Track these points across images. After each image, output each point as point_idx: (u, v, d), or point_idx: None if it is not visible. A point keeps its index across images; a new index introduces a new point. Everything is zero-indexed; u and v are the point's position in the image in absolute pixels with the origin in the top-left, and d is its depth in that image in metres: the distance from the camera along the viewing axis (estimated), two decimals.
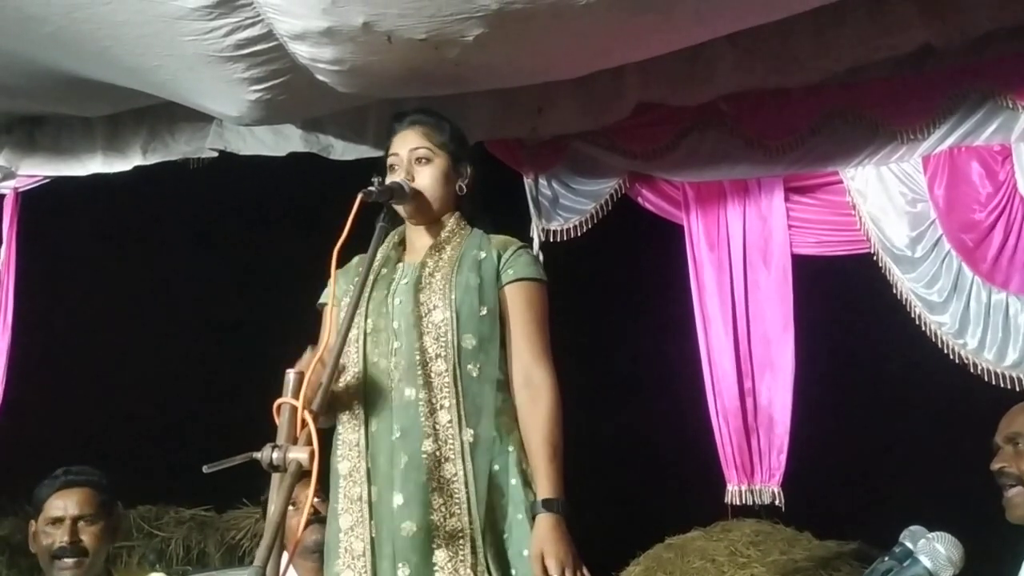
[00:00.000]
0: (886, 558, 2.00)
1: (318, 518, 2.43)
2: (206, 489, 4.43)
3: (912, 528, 2.03)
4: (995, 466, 2.39)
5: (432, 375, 2.13)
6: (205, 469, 1.70)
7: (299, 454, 1.71)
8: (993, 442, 2.45)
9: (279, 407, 1.81)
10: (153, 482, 4.63)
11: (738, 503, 3.25)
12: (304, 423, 1.76)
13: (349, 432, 2.18)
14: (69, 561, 2.58)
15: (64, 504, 2.62)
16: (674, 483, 4.38)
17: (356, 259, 2.31)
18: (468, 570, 2.03)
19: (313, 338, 2.29)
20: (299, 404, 1.78)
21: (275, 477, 1.79)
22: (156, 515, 4.64)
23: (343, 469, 2.17)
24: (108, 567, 2.77)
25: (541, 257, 3.14)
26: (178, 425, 4.81)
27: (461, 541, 2.04)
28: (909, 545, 1.97)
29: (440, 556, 2.05)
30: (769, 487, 3.18)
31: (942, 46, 2.85)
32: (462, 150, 2.37)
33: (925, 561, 1.87)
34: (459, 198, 2.35)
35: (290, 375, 1.83)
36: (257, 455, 1.73)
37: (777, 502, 3.19)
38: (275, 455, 1.72)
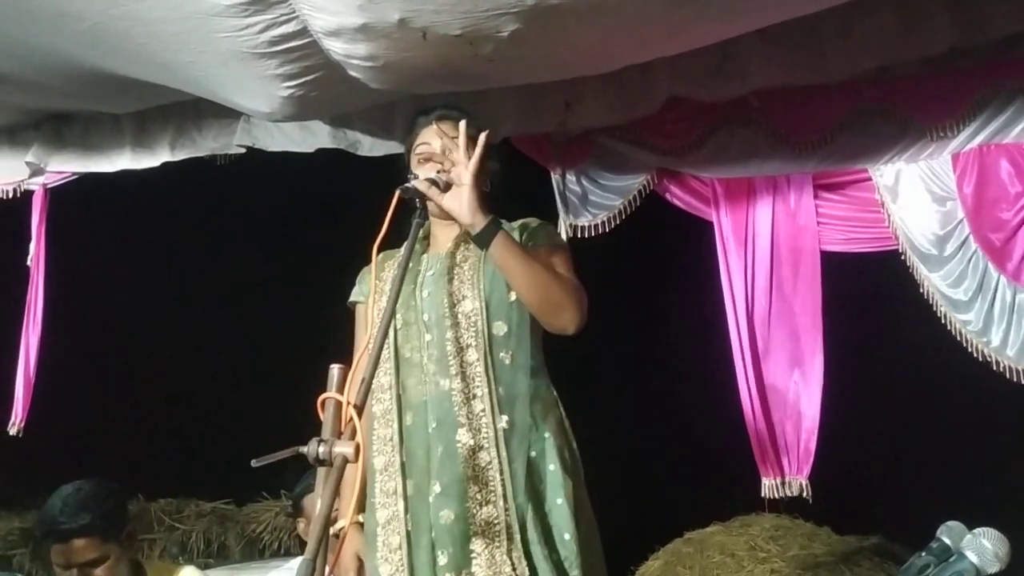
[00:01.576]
0: (923, 554, 2.00)
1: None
2: (227, 482, 4.46)
3: (950, 524, 2.03)
4: None
5: (465, 365, 2.13)
6: (253, 463, 1.69)
7: (345, 448, 1.71)
8: None
9: (323, 402, 1.81)
10: (175, 475, 4.66)
11: (771, 497, 3.26)
12: (350, 418, 1.76)
13: (383, 427, 2.19)
14: None
15: (65, 556, 2.52)
16: (694, 477, 4.39)
17: (380, 255, 2.31)
18: (504, 556, 2.03)
19: (339, 337, 2.31)
20: (344, 399, 1.78)
21: (320, 471, 1.80)
22: (177, 508, 4.68)
23: (378, 464, 2.18)
24: (137, 560, 2.75)
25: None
26: (200, 419, 4.84)
27: (497, 528, 2.05)
28: (947, 541, 1.97)
29: (477, 544, 2.05)
30: (797, 479, 3.19)
31: (971, 44, 2.85)
32: (488, 147, 2.37)
33: (972, 557, 1.86)
34: (484, 195, 2.32)
35: (334, 370, 1.83)
36: (303, 449, 1.73)
37: (805, 494, 3.21)
38: (321, 449, 1.72)
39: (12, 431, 3.73)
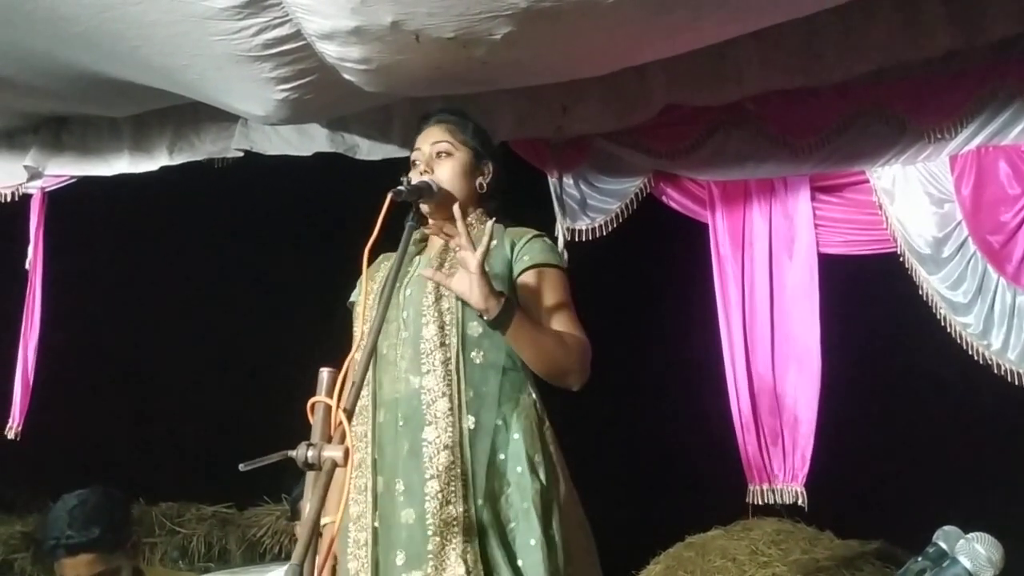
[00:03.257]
0: (919, 558, 1.99)
1: None
2: (228, 487, 4.47)
3: (946, 528, 2.02)
4: None
5: (436, 363, 2.11)
6: (242, 467, 1.69)
7: (334, 452, 1.71)
8: None
9: (313, 406, 1.80)
10: (176, 479, 4.67)
11: (759, 503, 3.24)
12: (339, 421, 1.76)
13: (359, 424, 2.18)
14: None
15: (74, 570, 2.52)
16: (695, 482, 4.38)
17: (380, 257, 2.31)
18: (458, 557, 2.00)
19: (341, 341, 2.30)
20: (333, 402, 1.77)
21: (309, 475, 1.79)
22: (178, 512, 4.69)
23: (354, 460, 2.17)
24: (138, 568, 2.75)
25: (565, 255, 3.15)
26: (201, 423, 4.84)
27: (455, 528, 2.02)
28: (943, 545, 1.96)
29: (434, 543, 2.02)
30: (792, 487, 3.18)
31: (969, 46, 2.84)
32: (485, 148, 2.35)
33: (965, 562, 1.85)
34: (480, 196, 2.33)
35: (323, 373, 1.82)
36: (292, 453, 1.72)
37: (800, 502, 3.19)
38: (310, 453, 1.72)
39: (9, 435, 3.74)
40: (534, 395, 2.18)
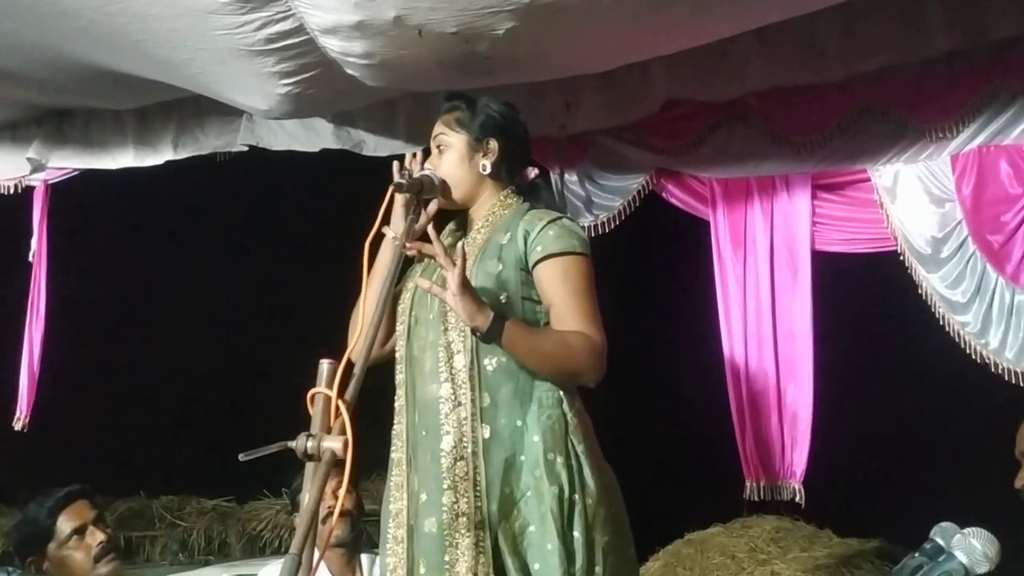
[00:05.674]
0: (916, 554, 2.00)
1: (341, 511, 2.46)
2: (228, 480, 4.47)
3: (943, 524, 2.02)
4: (1019, 484, 2.37)
5: (454, 370, 2.09)
6: (241, 457, 1.69)
7: (333, 443, 1.71)
8: (1017, 451, 2.44)
9: (313, 397, 1.80)
10: (176, 473, 4.68)
11: (756, 499, 3.25)
12: (338, 412, 1.76)
13: (397, 423, 2.18)
14: (112, 554, 2.63)
15: (78, 514, 2.64)
16: (694, 479, 4.38)
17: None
18: (468, 569, 2.00)
19: (343, 335, 2.31)
20: (333, 393, 1.77)
21: (309, 466, 1.79)
22: (179, 505, 4.69)
23: (394, 457, 2.18)
24: None
25: None
26: (202, 416, 4.85)
27: (468, 539, 2.01)
28: (940, 541, 1.97)
29: (450, 554, 2.02)
30: (790, 484, 3.18)
31: (970, 46, 2.84)
32: (484, 127, 2.24)
33: (961, 556, 1.86)
34: (492, 177, 2.24)
35: (324, 365, 1.82)
36: (292, 444, 1.73)
37: (798, 499, 3.19)
38: (309, 444, 1.72)
39: (17, 426, 3.75)
40: (560, 392, 2.09)
